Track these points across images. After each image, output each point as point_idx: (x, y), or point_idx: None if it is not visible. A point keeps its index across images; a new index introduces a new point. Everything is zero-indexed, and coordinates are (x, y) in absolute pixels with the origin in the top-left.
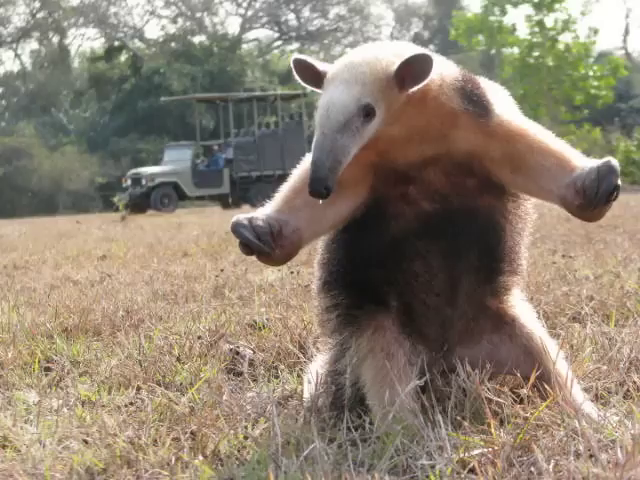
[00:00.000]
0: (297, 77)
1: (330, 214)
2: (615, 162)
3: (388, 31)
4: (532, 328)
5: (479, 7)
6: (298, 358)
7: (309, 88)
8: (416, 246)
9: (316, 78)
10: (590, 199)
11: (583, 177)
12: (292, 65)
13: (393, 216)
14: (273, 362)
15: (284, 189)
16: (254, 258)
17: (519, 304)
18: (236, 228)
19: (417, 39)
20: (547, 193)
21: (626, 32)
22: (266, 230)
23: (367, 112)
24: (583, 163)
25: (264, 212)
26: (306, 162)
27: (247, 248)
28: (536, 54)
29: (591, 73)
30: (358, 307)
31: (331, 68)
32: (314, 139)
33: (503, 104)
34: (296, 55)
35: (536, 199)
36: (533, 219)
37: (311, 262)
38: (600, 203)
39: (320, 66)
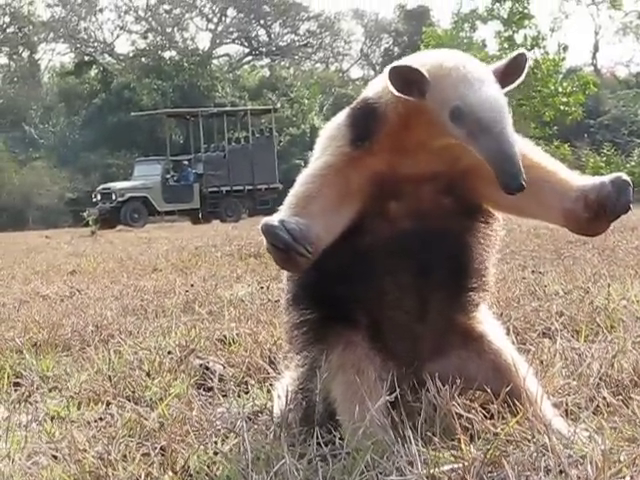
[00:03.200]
0: (392, 85)
1: (339, 222)
2: (627, 177)
3: (358, 47)
4: (500, 344)
5: (449, 23)
6: (268, 373)
7: (403, 97)
8: (387, 263)
9: (412, 84)
10: (610, 210)
11: (597, 190)
12: (389, 74)
13: (369, 231)
14: (243, 377)
15: (297, 195)
16: (224, 273)
17: (487, 320)
18: (270, 230)
19: (387, 55)
20: (547, 209)
21: (595, 49)
22: (300, 233)
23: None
24: (587, 179)
25: (286, 216)
26: (312, 170)
27: (281, 252)
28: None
29: (560, 89)
30: (328, 323)
31: (433, 72)
32: (492, 137)
33: None
34: (395, 63)
35: (528, 216)
36: (501, 237)
37: (281, 277)
38: (619, 214)
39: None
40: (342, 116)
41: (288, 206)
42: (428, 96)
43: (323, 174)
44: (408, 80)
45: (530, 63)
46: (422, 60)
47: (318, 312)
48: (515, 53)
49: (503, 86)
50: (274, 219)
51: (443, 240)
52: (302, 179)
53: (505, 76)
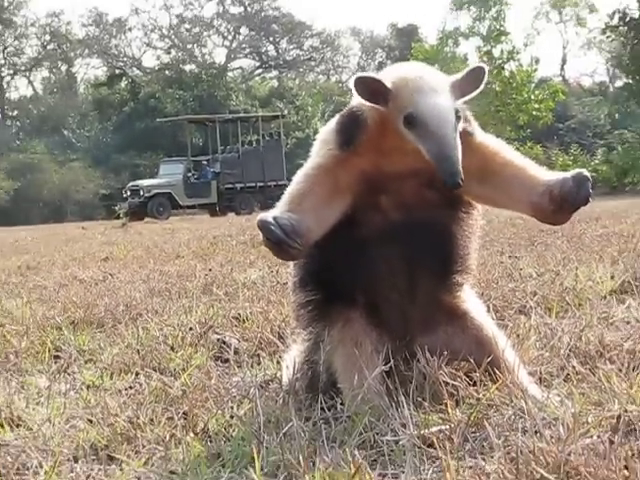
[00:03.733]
0: (357, 94)
1: (330, 215)
2: (587, 173)
3: (355, 60)
4: (482, 320)
5: (435, 39)
6: (278, 347)
7: (368, 104)
8: (380, 250)
9: (377, 93)
10: (571, 203)
11: (559, 185)
12: (354, 84)
13: (363, 222)
14: (256, 350)
15: (291, 193)
16: (238, 259)
17: (470, 299)
18: (265, 226)
19: (381, 68)
20: (516, 202)
21: (563, 61)
22: (291, 228)
23: (458, 116)
24: (553, 175)
25: (280, 213)
26: (306, 170)
27: (274, 244)
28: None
29: (533, 97)
30: (330, 303)
31: (395, 83)
32: (436, 140)
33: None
34: (358, 74)
35: (502, 207)
36: (481, 225)
37: (288, 263)
38: (579, 206)
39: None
40: (333, 122)
41: (284, 203)
42: (390, 104)
43: (315, 174)
44: (373, 89)
45: (506, 74)
46: (391, 71)
47: (321, 293)
48: (473, 66)
49: (462, 95)
50: (269, 215)
51: (429, 229)
52: (297, 178)
53: (464, 86)
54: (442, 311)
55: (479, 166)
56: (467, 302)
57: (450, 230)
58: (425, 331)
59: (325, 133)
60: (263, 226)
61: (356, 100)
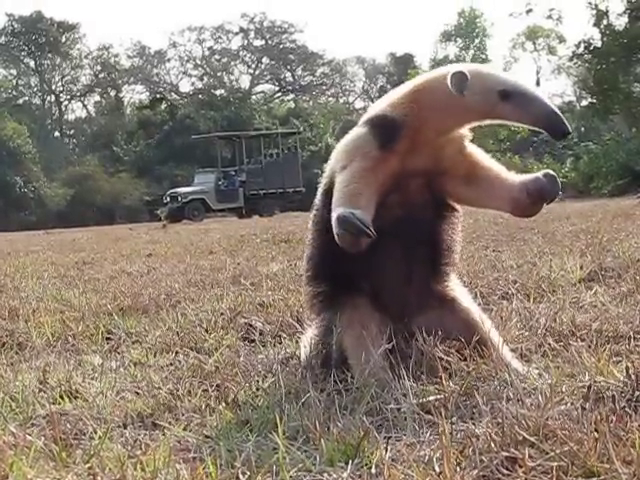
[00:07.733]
0: (453, 86)
1: (373, 210)
2: (554, 172)
3: (360, 84)
4: (467, 305)
5: (428, 66)
6: (296, 329)
7: (457, 93)
8: (384, 243)
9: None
10: (546, 195)
11: (533, 182)
12: (451, 77)
13: (373, 218)
14: (277, 332)
15: (348, 193)
16: (262, 254)
17: (457, 288)
18: (347, 220)
19: (382, 91)
20: (497, 199)
21: (537, 84)
22: (368, 221)
23: None
24: (524, 176)
25: (350, 210)
26: (352, 171)
27: (354, 236)
28: None
29: None
30: (338, 291)
31: (472, 73)
32: (538, 103)
33: None
34: (455, 70)
35: (482, 206)
36: (462, 224)
37: (303, 257)
38: (553, 198)
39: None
40: (361, 131)
41: (344, 202)
42: (467, 92)
43: (363, 175)
44: (461, 81)
45: None
46: (447, 69)
47: (331, 284)
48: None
49: None
50: (347, 211)
51: (424, 225)
52: (346, 180)
53: None
54: (434, 297)
55: (467, 170)
56: (454, 290)
57: (440, 227)
58: (420, 314)
59: (355, 141)
60: (346, 220)
61: (381, 109)
